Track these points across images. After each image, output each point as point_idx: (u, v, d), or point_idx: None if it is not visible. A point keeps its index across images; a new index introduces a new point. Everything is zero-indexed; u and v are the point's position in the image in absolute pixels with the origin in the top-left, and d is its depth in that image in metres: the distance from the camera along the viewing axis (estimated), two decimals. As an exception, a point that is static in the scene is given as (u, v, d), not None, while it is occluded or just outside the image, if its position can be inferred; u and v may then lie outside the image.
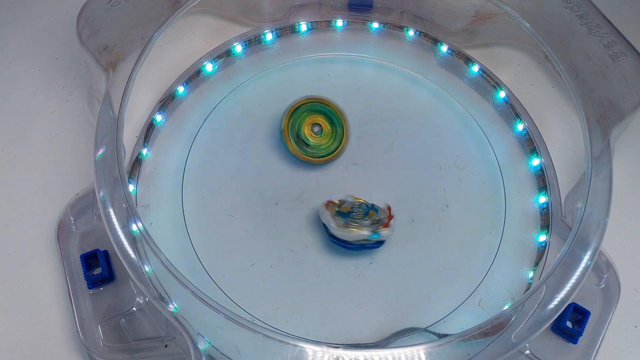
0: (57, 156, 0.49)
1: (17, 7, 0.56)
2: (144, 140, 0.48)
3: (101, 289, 0.41)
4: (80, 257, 0.41)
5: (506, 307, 0.42)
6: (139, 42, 0.44)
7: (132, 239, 0.38)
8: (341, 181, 0.48)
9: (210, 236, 0.45)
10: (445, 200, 0.47)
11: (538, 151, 0.49)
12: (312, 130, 0.48)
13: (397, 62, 0.54)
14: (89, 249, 0.42)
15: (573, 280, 0.38)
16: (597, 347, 0.41)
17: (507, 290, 0.44)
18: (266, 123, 0.50)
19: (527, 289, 0.44)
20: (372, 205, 0.45)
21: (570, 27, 0.47)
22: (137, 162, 0.48)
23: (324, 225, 0.44)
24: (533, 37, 0.47)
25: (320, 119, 0.48)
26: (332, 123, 0.48)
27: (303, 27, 0.55)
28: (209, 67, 0.52)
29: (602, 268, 0.43)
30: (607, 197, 0.41)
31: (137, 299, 0.41)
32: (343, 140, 0.48)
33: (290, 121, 0.48)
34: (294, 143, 0.47)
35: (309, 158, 0.47)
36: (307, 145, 0.48)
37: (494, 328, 0.37)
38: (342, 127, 0.48)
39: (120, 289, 0.41)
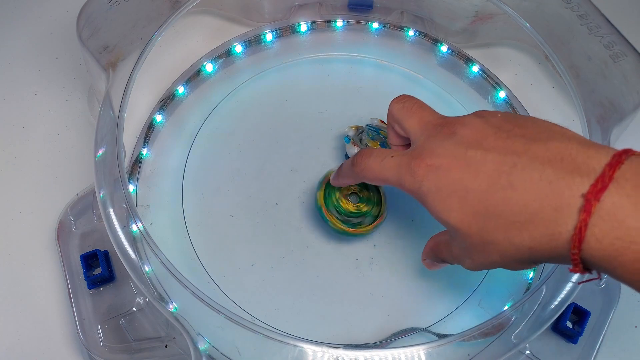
0: (57, 156, 0.49)
1: (17, 7, 0.56)
2: (144, 140, 0.48)
3: (101, 289, 0.41)
4: (80, 257, 0.41)
5: (506, 307, 0.42)
6: (139, 42, 0.44)
7: (132, 239, 0.38)
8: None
9: (210, 236, 0.45)
10: (445, 200, 0.47)
11: (538, 151, 0.49)
12: (349, 201, 0.44)
13: (397, 62, 0.54)
14: (89, 249, 0.42)
15: (573, 280, 0.38)
16: (597, 347, 0.41)
17: (507, 290, 0.44)
18: (266, 123, 0.50)
19: (527, 289, 0.44)
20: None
21: (570, 27, 0.47)
22: (137, 162, 0.48)
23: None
24: (533, 37, 0.47)
25: (354, 187, 0.45)
26: (365, 187, 0.45)
27: (303, 27, 0.54)
28: (209, 67, 0.52)
29: (602, 268, 0.43)
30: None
31: (137, 299, 0.41)
32: (382, 199, 0.45)
33: (326, 195, 0.44)
34: (336, 219, 0.44)
35: (357, 230, 0.44)
36: (351, 216, 0.44)
37: (494, 328, 0.37)
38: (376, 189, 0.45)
39: (120, 289, 0.41)
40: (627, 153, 0.29)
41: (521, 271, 0.45)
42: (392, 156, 0.35)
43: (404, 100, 0.38)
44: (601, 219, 0.27)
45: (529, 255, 0.30)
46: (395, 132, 0.39)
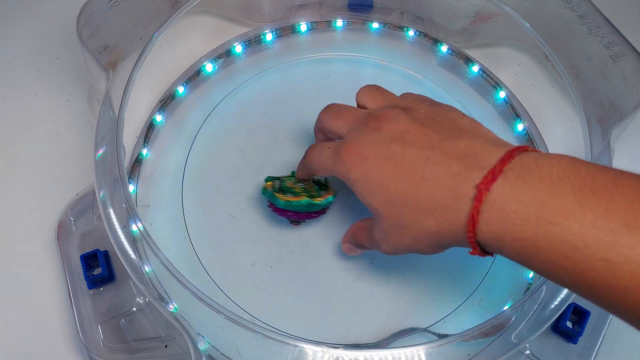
0: (57, 156, 0.49)
1: (17, 8, 0.56)
2: (144, 140, 0.48)
3: (101, 289, 0.41)
4: (80, 257, 0.41)
5: (506, 307, 0.42)
6: (139, 42, 0.44)
7: (132, 239, 0.38)
8: (341, 181, 0.47)
9: (210, 236, 0.45)
10: (445, 200, 0.47)
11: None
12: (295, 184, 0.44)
13: (397, 62, 0.54)
14: (89, 249, 0.42)
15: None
16: (597, 347, 0.41)
17: (507, 290, 0.44)
18: (266, 123, 0.50)
19: (527, 289, 0.44)
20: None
21: (570, 27, 0.47)
22: (137, 162, 0.48)
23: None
24: (533, 37, 0.47)
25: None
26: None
27: (303, 27, 0.55)
28: (209, 67, 0.52)
29: (602, 268, 0.43)
30: (607, 197, 0.41)
31: (137, 299, 0.41)
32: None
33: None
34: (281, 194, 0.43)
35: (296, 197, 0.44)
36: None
37: (494, 328, 0.37)
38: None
39: (120, 289, 0.41)
40: (520, 149, 0.32)
41: (521, 271, 0.45)
42: (329, 147, 0.40)
43: (331, 110, 0.42)
44: (489, 206, 0.31)
45: (438, 239, 0.34)
46: (325, 138, 0.43)
